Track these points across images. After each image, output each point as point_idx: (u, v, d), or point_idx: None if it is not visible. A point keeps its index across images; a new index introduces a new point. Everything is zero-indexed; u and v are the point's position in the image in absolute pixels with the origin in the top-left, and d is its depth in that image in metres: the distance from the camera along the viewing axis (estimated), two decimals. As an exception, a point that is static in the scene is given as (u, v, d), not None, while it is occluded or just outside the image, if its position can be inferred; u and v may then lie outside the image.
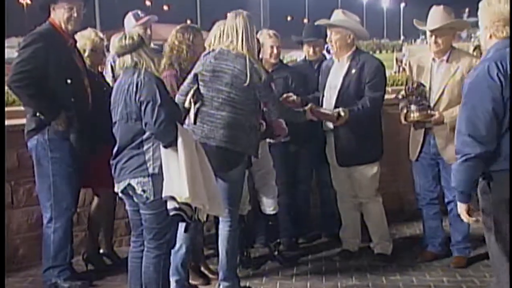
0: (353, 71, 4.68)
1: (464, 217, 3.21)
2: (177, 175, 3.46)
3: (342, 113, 4.55)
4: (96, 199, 4.83)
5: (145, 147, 3.56)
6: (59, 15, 4.28)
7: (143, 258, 3.71)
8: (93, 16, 40.63)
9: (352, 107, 4.59)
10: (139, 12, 5.46)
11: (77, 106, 4.28)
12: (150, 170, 3.55)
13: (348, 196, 4.96)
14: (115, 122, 3.67)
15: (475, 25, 3.95)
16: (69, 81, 4.23)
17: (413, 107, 4.59)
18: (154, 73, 3.60)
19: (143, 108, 3.49)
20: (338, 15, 4.81)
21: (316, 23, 5.06)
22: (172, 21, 4.88)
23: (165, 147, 3.52)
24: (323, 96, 4.84)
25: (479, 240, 4.19)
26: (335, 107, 4.66)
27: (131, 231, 3.87)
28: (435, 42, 4.57)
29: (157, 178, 3.53)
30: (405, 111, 4.67)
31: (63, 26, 4.29)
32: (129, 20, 5.42)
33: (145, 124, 3.52)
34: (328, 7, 10.23)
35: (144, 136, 3.55)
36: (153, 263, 3.67)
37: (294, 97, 4.80)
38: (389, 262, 4.87)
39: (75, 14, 4.30)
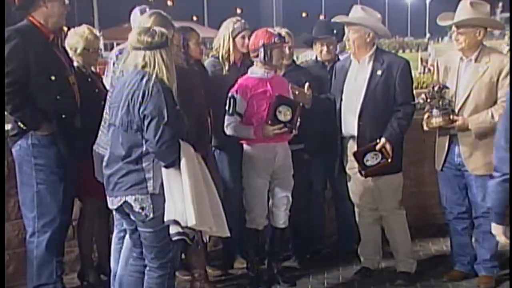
0: (379, 72, 4.66)
1: (501, 239, 3.12)
2: (181, 198, 3.44)
3: (388, 147, 4.59)
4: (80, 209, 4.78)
5: (145, 164, 3.51)
6: (52, 10, 4.25)
7: (144, 274, 3.69)
8: (91, 12, 40.75)
9: (389, 131, 4.61)
10: (147, 8, 5.46)
11: (63, 105, 4.26)
12: (150, 190, 3.51)
13: (368, 209, 4.95)
14: (112, 125, 3.62)
15: (507, 21, 3.89)
16: (53, 77, 4.20)
17: (435, 111, 4.55)
18: (165, 83, 3.50)
19: (146, 123, 3.43)
20: (356, 12, 4.81)
21: (332, 20, 5.02)
22: (176, 18, 4.87)
23: (165, 167, 3.50)
24: (341, 100, 4.80)
25: (506, 257, 4.17)
26: (360, 114, 4.66)
27: (131, 247, 3.84)
28: (456, 39, 4.54)
29: (157, 197, 3.51)
30: (426, 116, 4.64)
31: (53, 20, 4.27)
32: (135, 16, 5.43)
33: (146, 141, 3.47)
34: (347, 2, 10.22)
35: (144, 149, 3.50)
36: (157, 283, 3.67)
37: (304, 89, 4.77)
38: (413, 282, 4.85)
39: (69, 8, 4.33)
